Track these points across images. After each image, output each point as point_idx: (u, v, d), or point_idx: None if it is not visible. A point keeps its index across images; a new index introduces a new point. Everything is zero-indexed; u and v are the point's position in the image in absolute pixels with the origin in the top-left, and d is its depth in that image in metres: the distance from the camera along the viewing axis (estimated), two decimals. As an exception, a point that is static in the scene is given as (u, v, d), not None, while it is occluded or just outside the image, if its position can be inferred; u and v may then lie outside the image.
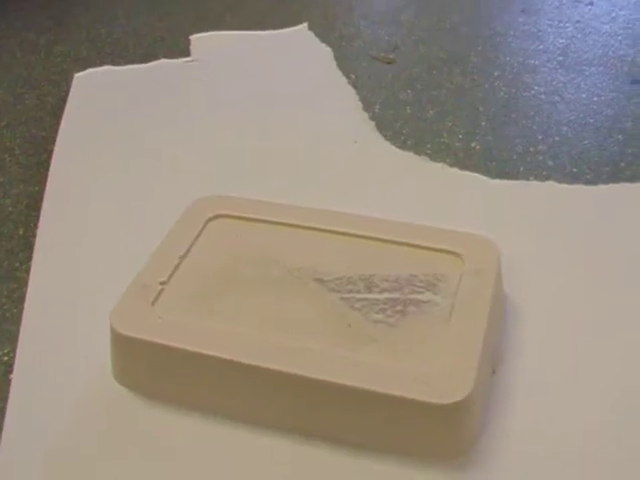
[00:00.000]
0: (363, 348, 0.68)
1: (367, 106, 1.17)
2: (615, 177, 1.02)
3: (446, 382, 0.65)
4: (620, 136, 1.10)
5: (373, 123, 1.12)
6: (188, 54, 1.33)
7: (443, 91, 1.22)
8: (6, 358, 0.79)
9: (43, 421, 0.72)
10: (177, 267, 0.77)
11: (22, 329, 0.81)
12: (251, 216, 0.84)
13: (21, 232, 0.96)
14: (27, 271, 0.89)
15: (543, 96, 1.20)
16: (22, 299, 0.85)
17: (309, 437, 0.68)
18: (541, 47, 1.35)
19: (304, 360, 0.67)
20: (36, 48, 1.40)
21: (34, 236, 0.94)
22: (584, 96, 1.20)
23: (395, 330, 0.70)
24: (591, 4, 1.50)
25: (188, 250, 0.79)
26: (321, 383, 0.65)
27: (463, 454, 0.67)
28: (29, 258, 0.91)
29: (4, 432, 0.71)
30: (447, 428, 0.65)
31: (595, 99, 1.20)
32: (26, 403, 0.74)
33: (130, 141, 1.10)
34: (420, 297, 0.73)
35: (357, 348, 0.68)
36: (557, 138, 1.10)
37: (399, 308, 0.72)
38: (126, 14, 1.50)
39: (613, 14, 1.46)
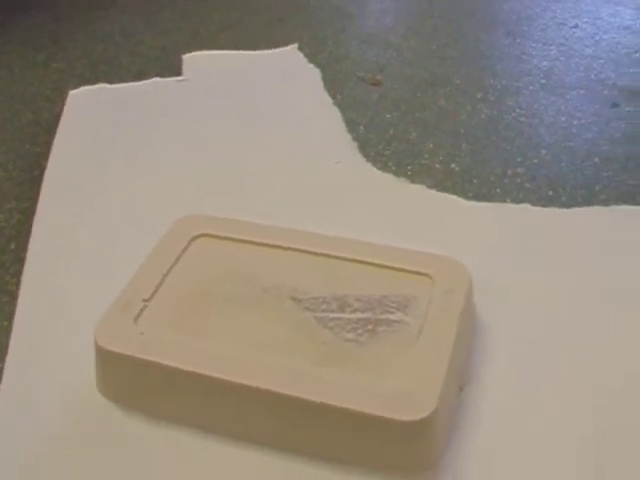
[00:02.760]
0: (333, 366, 0.71)
1: (352, 127, 1.21)
2: (589, 200, 1.05)
3: (411, 399, 0.68)
4: (597, 159, 1.14)
5: (356, 144, 1.16)
6: (181, 72, 1.36)
7: (427, 113, 1.26)
8: (-5, 368, 0.83)
9: (29, 428, 0.75)
10: (160, 285, 0.81)
11: (12, 341, 0.85)
12: (233, 236, 0.87)
13: (13, 246, 0.99)
14: (18, 285, 0.92)
15: (524, 119, 1.24)
16: (12, 312, 0.88)
17: (280, 449, 0.71)
18: (525, 69, 1.38)
19: (276, 376, 0.70)
20: (34, 64, 1.43)
21: (25, 251, 0.97)
22: (564, 119, 1.24)
23: (365, 349, 0.73)
24: (576, 27, 1.53)
25: (171, 268, 0.83)
26: (292, 399, 0.69)
27: (428, 469, 0.70)
28: (20, 272, 0.94)
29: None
30: (411, 444, 0.68)
31: (575, 122, 1.23)
32: (13, 413, 0.77)
33: (120, 159, 1.14)
34: (391, 317, 0.77)
35: (328, 366, 0.71)
36: (535, 161, 1.13)
37: (370, 327, 0.75)
38: (122, 32, 1.54)
39: (597, 37, 1.49)
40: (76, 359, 0.80)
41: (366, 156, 1.13)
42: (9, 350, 0.84)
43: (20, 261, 0.96)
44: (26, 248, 0.97)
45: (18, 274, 0.94)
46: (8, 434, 0.75)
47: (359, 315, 0.77)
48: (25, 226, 1.01)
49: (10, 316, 0.88)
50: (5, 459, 0.73)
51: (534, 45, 1.47)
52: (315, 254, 0.84)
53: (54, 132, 1.20)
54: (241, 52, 1.42)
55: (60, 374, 0.80)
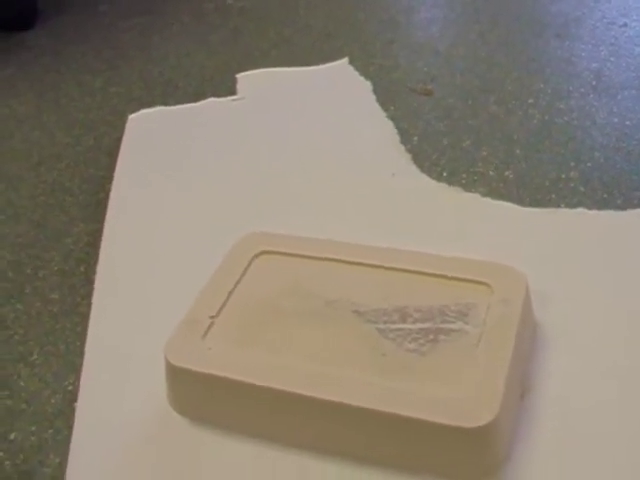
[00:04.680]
0: (396, 376, 0.73)
1: (405, 138, 1.22)
2: (645, 201, 1.05)
3: (472, 406, 0.70)
4: (651, 159, 1.14)
5: (410, 155, 1.17)
6: (235, 91, 1.40)
7: (479, 120, 1.27)
8: (71, 387, 0.86)
9: (105, 445, 0.79)
10: (225, 302, 0.83)
11: (85, 360, 0.88)
12: (293, 251, 0.89)
13: (82, 269, 1.03)
14: (88, 306, 0.96)
15: (576, 122, 1.24)
16: (84, 332, 0.92)
17: (345, 458, 0.74)
18: (575, 72, 1.38)
19: (341, 388, 0.72)
20: (92, 90, 1.48)
21: (94, 273, 1.01)
22: (616, 120, 1.24)
23: (426, 358, 0.75)
24: (625, 26, 1.53)
25: (236, 285, 0.86)
26: (356, 409, 0.71)
27: (490, 476, 0.71)
28: (90, 294, 0.98)
29: (70, 456, 0.78)
30: (473, 451, 0.70)
31: (627, 123, 1.23)
32: (89, 430, 0.81)
33: (181, 179, 1.17)
34: (451, 326, 0.78)
35: (390, 376, 0.73)
36: (589, 164, 1.14)
37: (431, 337, 0.77)
38: (176, 54, 1.58)
39: (647, 35, 1.49)
40: (147, 376, 0.83)
41: (420, 166, 1.15)
42: (83, 370, 0.87)
43: (90, 283, 0.99)
44: (95, 270, 1.01)
45: (89, 296, 0.97)
46: (86, 453, 0.79)
47: (420, 325, 0.79)
48: (93, 248, 1.05)
49: (82, 337, 0.92)
50: (86, 477, 0.76)
51: (583, 47, 1.47)
52: (374, 266, 0.86)
53: (116, 155, 1.24)
54: (293, 69, 1.45)
55: (133, 391, 0.84)
